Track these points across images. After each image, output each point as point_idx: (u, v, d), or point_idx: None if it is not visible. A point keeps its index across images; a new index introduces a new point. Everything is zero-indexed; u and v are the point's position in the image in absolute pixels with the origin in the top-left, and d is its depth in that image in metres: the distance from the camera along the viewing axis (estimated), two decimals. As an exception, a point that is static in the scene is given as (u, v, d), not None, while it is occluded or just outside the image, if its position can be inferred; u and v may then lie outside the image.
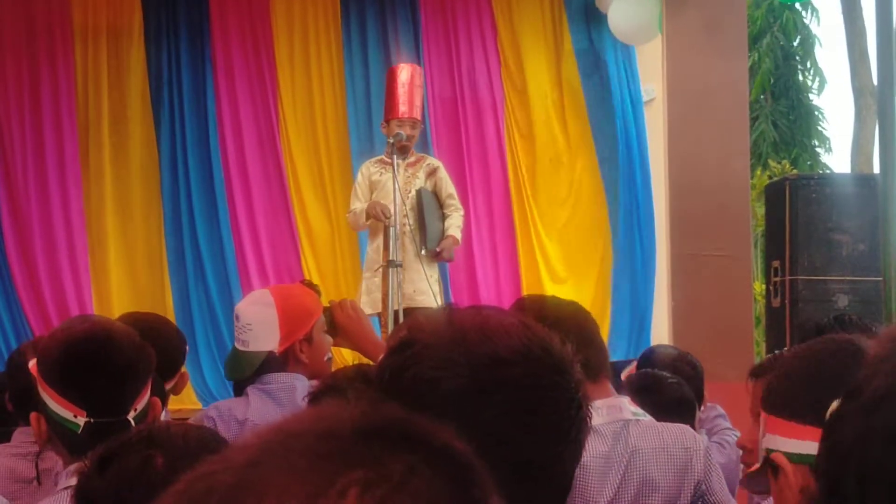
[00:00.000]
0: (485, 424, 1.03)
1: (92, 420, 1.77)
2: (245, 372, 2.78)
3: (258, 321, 2.74)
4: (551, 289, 6.84)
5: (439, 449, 0.63)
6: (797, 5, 16.02)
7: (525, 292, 6.83)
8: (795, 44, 17.08)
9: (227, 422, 2.68)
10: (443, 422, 1.00)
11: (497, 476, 1.00)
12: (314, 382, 2.72)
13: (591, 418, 1.13)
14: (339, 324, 2.78)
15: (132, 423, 1.78)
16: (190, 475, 0.60)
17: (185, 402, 5.87)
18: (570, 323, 2.17)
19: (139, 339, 1.91)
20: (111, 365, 1.81)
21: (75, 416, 1.77)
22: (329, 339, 2.84)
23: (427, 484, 0.59)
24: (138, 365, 1.86)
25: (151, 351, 1.93)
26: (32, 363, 1.96)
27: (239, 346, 2.78)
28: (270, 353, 2.74)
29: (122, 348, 1.84)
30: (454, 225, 5.85)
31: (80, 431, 1.76)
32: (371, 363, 2.45)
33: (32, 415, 1.84)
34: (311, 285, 2.97)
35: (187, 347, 2.98)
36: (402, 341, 1.14)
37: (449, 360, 1.07)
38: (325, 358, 2.84)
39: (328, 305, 2.84)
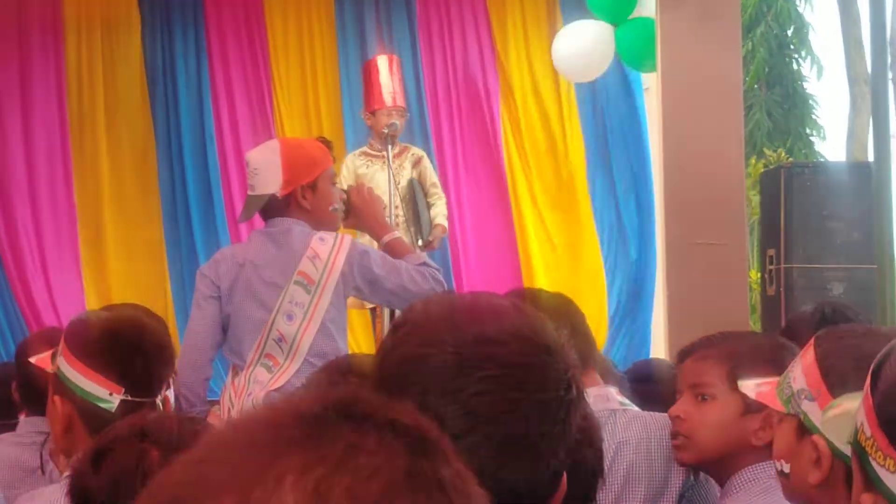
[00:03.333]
0: (469, 400, 1.04)
1: (129, 397, 1.79)
2: (251, 213, 3.04)
3: (262, 165, 2.96)
4: (550, 277, 6.85)
5: (385, 424, 0.61)
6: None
7: (524, 280, 6.85)
8: (789, 33, 17.07)
9: (228, 264, 2.96)
10: (428, 398, 1.03)
11: (483, 452, 1.02)
12: (322, 233, 2.94)
13: (583, 400, 1.12)
14: (354, 204, 3.04)
15: (160, 405, 1.82)
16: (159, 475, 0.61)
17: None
18: (558, 314, 2.20)
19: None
20: (151, 344, 1.87)
21: (111, 394, 1.79)
22: (338, 191, 3.08)
23: (369, 460, 0.58)
24: (167, 349, 1.93)
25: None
26: (37, 357, 1.99)
27: (249, 192, 3.02)
28: (273, 196, 2.93)
29: (155, 332, 1.91)
30: (441, 213, 5.87)
31: (114, 409, 1.78)
32: (365, 356, 2.49)
33: (55, 397, 1.84)
34: (325, 141, 3.19)
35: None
36: (394, 324, 1.17)
37: (436, 337, 1.08)
38: (330, 208, 3.02)
39: (347, 189, 3.15)
